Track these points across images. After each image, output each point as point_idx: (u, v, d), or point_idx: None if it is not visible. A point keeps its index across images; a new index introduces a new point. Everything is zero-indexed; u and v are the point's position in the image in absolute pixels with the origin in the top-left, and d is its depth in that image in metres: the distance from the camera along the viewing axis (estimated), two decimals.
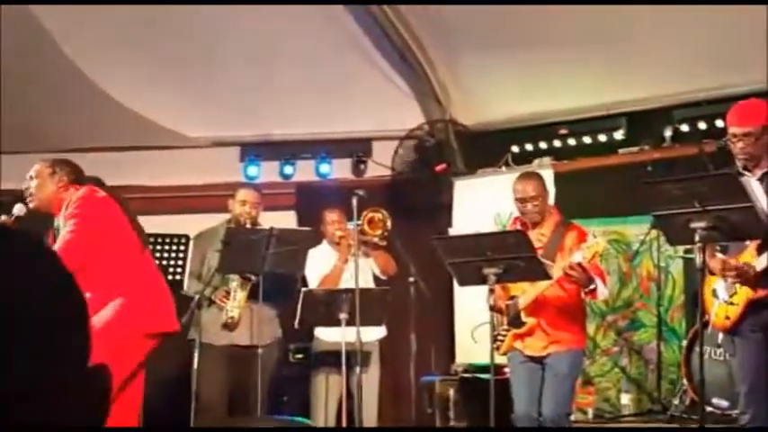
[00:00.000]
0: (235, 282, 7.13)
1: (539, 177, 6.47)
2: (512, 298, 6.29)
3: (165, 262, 6.99)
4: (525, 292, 6.20)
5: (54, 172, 5.74)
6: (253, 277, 7.02)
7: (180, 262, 7.03)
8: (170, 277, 7.00)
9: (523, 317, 6.24)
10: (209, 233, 7.36)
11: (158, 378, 6.15)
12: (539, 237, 6.27)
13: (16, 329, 1.25)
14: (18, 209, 5.75)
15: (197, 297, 6.95)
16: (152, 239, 6.98)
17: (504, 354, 6.39)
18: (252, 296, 7.07)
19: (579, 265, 5.91)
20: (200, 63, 9.39)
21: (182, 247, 7.02)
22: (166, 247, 7.01)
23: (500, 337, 6.33)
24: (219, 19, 8.93)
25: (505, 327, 6.31)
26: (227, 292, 7.17)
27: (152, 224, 7.79)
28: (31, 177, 5.75)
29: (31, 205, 5.74)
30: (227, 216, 7.43)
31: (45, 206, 5.71)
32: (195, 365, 7.00)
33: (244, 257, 6.81)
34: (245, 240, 6.83)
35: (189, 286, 7.21)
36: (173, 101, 9.76)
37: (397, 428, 8.61)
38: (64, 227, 5.43)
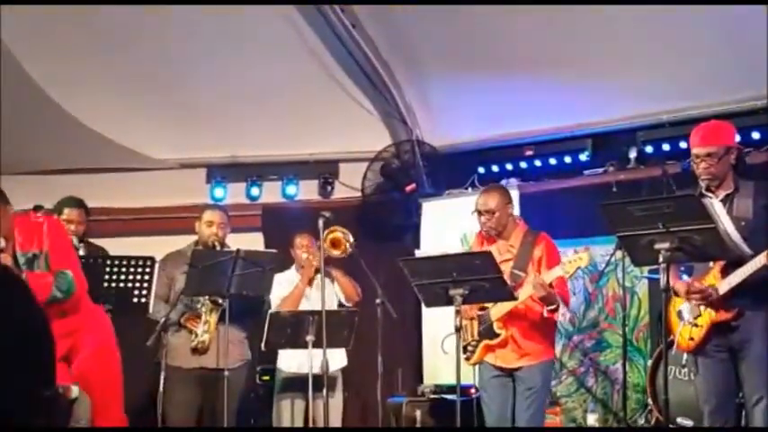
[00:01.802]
0: (205, 306, 7.09)
1: (501, 190, 6.51)
2: (483, 309, 6.30)
3: (130, 284, 6.92)
4: (498, 304, 6.22)
5: (3, 204, 5.38)
6: (222, 302, 6.98)
7: (145, 284, 6.96)
8: (135, 300, 6.95)
9: (496, 328, 6.26)
10: (176, 255, 7.32)
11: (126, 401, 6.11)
12: (508, 248, 6.32)
13: None
14: None
15: (163, 320, 6.91)
16: (117, 261, 6.95)
17: (475, 364, 6.41)
18: (220, 318, 7.04)
19: (550, 285, 5.96)
20: (167, 85, 9.36)
21: (147, 270, 6.95)
22: (131, 270, 6.94)
23: (470, 348, 6.35)
24: (188, 42, 8.91)
25: (476, 338, 6.33)
26: (198, 316, 7.13)
27: (119, 246, 7.81)
28: None
29: None
30: (194, 238, 7.41)
31: (5, 238, 5.36)
32: (161, 389, 6.97)
33: (210, 279, 6.78)
34: (212, 262, 6.80)
35: (155, 309, 7.16)
36: (139, 123, 9.73)
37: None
38: (41, 256, 5.36)
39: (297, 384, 7.50)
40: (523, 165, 9.47)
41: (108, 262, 6.94)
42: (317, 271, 7.55)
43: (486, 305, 6.28)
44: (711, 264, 5.41)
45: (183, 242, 7.47)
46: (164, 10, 8.43)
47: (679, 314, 5.58)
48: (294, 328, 7.06)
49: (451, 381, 6.23)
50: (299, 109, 9.70)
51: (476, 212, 6.38)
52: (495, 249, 6.27)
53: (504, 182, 9.18)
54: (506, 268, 6.16)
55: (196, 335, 7.09)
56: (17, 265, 5.24)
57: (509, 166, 9.55)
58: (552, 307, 6.07)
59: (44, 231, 5.43)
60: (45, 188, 8.80)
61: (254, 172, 10.43)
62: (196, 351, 7.09)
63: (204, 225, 7.28)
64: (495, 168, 9.64)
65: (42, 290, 5.19)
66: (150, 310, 7.12)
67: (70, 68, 8.87)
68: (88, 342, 5.62)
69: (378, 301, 7.69)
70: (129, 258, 6.98)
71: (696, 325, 5.47)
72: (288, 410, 7.66)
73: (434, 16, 8.58)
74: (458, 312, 5.82)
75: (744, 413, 5.73)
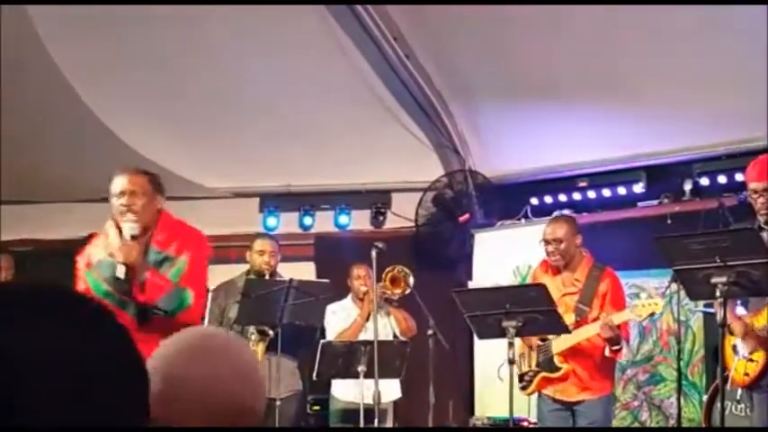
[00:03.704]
0: (253, 336, 7.10)
1: (569, 220, 6.49)
2: (544, 339, 6.25)
3: None
4: (560, 337, 6.16)
5: (156, 191, 4.98)
6: (270, 332, 6.98)
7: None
8: None
9: (557, 362, 6.20)
10: (227, 285, 7.35)
11: None
12: (573, 282, 6.27)
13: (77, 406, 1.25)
14: (131, 228, 4.83)
15: None
16: None
17: (531, 394, 6.35)
18: (271, 348, 7.04)
19: (618, 326, 5.90)
20: (219, 114, 9.43)
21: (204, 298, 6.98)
22: None
23: (527, 378, 6.30)
24: (239, 70, 8.98)
25: (534, 368, 6.28)
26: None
27: None
28: (133, 192, 4.88)
29: (138, 225, 4.84)
30: (246, 267, 7.43)
31: (144, 228, 4.92)
32: None
33: (263, 309, 6.79)
34: (265, 292, 6.82)
35: None
36: (193, 151, 9.81)
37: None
38: (175, 262, 4.89)
39: (349, 416, 7.49)
40: (577, 196, 9.41)
41: None
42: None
43: (548, 336, 6.22)
44: None
45: (236, 271, 7.50)
46: (218, 41, 8.51)
47: (734, 348, 5.51)
48: (346, 359, 7.06)
49: (504, 413, 6.17)
50: (352, 139, 9.73)
51: (542, 241, 6.34)
52: (559, 281, 6.24)
53: (556, 213, 9.12)
54: (570, 301, 6.13)
55: None
56: (144, 258, 4.83)
57: (562, 197, 9.49)
58: (617, 347, 6.00)
59: (192, 242, 5.00)
60: (99, 216, 8.89)
61: (306, 201, 10.46)
62: None
63: (255, 254, 7.31)
64: (548, 199, 9.58)
65: (154, 290, 4.74)
66: None
67: (123, 96, 8.98)
68: None
69: (429, 331, 7.66)
70: None
71: (752, 360, 5.39)
72: None
73: (487, 46, 8.58)
74: (511, 345, 5.78)
75: None
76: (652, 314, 5.98)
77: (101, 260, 4.87)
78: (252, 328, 7.10)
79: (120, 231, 4.87)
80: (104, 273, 4.83)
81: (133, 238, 4.78)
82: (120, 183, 4.92)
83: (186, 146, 9.78)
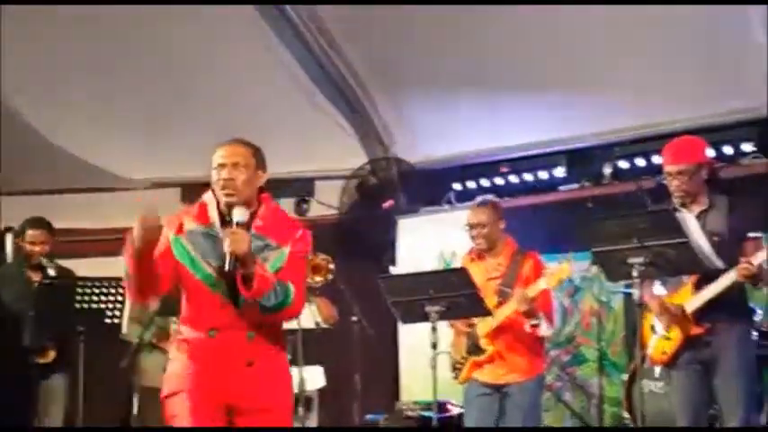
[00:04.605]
0: (175, 325, 7.04)
1: (492, 206, 6.43)
2: (471, 325, 6.26)
3: (102, 305, 6.85)
4: (484, 320, 6.18)
5: (258, 167, 4.59)
6: None
7: (119, 305, 6.89)
8: (108, 321, 6.88)
9: (483, 344, 6.22)
10: None
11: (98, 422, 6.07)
12: (496, 266, 6.27)
13: None
14: (241, 213, 4.36)
15: (137, 341, 6.87)
16: (89, 283, 6.87)
17: (463, 382, 6.36)
18: None
19: (533, 299, 5.94)
20: (140, 103, 9.32)
21: (120, 290, 6.88)
22: (104, 290, 6.88)
23: (458, 366, 6.32)
24: (158, 58, 8.88)
25: (464, 355, 6.30)
26: (169, 335, 7.08)
27: (91, 267, 7.75)
28: (235, 164, 4.51)
29: (246, 210, 4.42)
30: None
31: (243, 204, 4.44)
32: (135, 410, 6.91)
33: None
34: None
35: (128, 330, 7.10)
36: (112, 142, 9.69)
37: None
38: (274, 251, 4.40)
39: None
40: (499, 181, 9.46)
41: (80, 284, 6.88)
42: None
43: (474, 322, 6.24)
44: (685, 278, 5.42)
45: None
46: (141, 31, 8.41)
47: (652, 328, 5.59)
48: None
49: (429, 398, 6.20)
50: (275, 127, 9.65)
51: (466, 226, 6.35)
52: (483, 267, 6.26)
53: (479, 198, 9.16)
54: (495, 286, 6.15)
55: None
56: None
57: (485, 183, 9.52)
58: (534, 322, 6.03)
59: (295, 235, 4.49)
60: (12, 210, 8.78)
61: None
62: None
63: None
64: (471, 185, 9.61)
65: (260, 286, 4.23)
66: (124, 330, 7.07)
67: (42, 86, 8.83)
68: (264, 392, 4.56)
69: (354, 318, 7.66)
70: (101, 279, 6.92)
71: (668, 338, 5.48)
72: None
73: (409, 34, 8.58)
74: (434, 329, 5.80)
75: (718, 425, 5.75)
76: (560, 280, 6.01)
77: (194, 229, 4.41)
78: (175, 318, 7.04)
79: (218, 204, 4.47)
80: (199, 244, 4.37)
81: (239, 225, 4.30)
82: (220, 154, 4.54)
83: (106, 137, 9.65)
